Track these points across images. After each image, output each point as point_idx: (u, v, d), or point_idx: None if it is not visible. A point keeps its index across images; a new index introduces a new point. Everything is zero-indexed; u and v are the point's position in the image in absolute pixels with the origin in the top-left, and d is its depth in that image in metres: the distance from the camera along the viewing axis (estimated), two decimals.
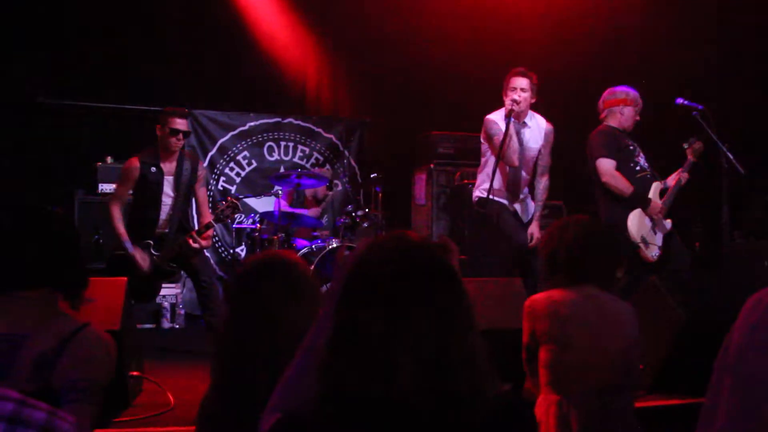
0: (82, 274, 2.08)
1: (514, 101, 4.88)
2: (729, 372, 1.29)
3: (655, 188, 5.06)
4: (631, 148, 5.10)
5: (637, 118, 5.18)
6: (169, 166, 5.16)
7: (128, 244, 5.02)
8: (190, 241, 5.02)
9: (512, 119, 4.93)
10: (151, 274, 5.08)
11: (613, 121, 5.16)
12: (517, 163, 5.02)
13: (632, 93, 5.19)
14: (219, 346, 1.99)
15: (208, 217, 5.20)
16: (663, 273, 4.97)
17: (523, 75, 5.00)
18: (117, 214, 5.08)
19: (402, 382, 1.24)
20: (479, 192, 5.21)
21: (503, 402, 1.39)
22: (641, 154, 5.14)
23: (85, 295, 2.05)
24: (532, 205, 5.26)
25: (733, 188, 5.04)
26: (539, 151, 5.18)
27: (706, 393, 1.38)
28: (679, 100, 5.07)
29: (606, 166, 5.01)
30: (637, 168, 5.07)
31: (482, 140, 5.22)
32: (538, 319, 2.75)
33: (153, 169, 5.11)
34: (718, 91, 6.15)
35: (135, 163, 5.12)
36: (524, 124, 5.11)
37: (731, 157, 4.89)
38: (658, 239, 4.97)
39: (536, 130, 5.17)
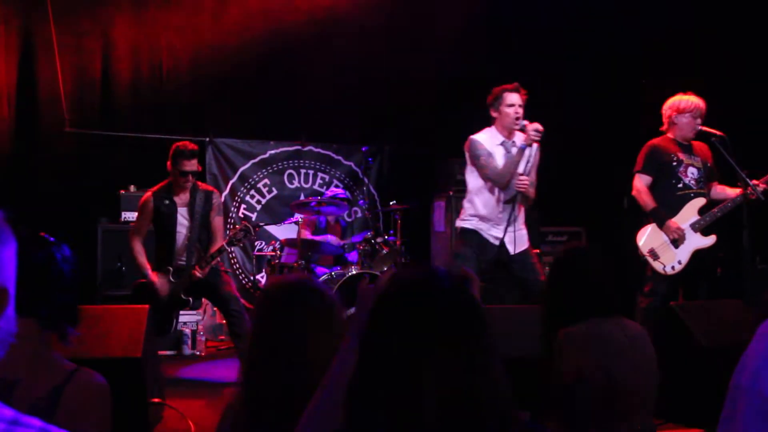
0: (73, 310, 1.96)
1: (538, 131, 4.64)
2: (744, 393, 1.30)
3: (692, 205, 4.99)
4: (675, 163, 5.03)
5: (698, 122, 5.06)
6: (182, 198, 5.30)
7: (149, 272, 5.16)
8: (196, 273, 5.10)
9: (505, 139, 4.84)
10: (169, 301, 5.16)
11: (671, 132, 5.15)
12: (508, 187, 4.76)
13: (688, 100, 5.10)
14: (245, 366, 1.99)
15: (219, 244, 5.27)
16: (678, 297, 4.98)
17: (518, 91, 4.85)
18: (137, 247, 5.25)
19: (428, 418, 1.25)
20: (466, 222, 4.96)
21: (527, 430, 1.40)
22: (690, 169, 5.05)
23: (77, 330, 1.94)
24: (525, 234, 4.97)
25: (755, 213, 5.00)
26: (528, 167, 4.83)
27: (722, 413, 1.38)
28: (699, 128, 5.05)
29: (638, 181, 5.08)
30: (679, 185, 5.02)
31: (468, 164, 4.97)
32: (579, 353, 2.67)
33: (166, 201, 5.26)
34: (736, 116, 6.12)
35: (148, 197, 5.29)
36: (513, 144, 4.87)
37: (750, 182, 4.87)
38: (680, 254, 4.93)
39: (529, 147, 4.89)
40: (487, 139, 4.90)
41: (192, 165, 5.23)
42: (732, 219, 5.00)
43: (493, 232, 4.86)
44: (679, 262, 4.92)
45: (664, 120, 5.20)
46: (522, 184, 4.70)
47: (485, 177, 4.83)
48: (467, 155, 4.97)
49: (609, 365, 2.64)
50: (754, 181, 4.89)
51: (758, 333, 1.35)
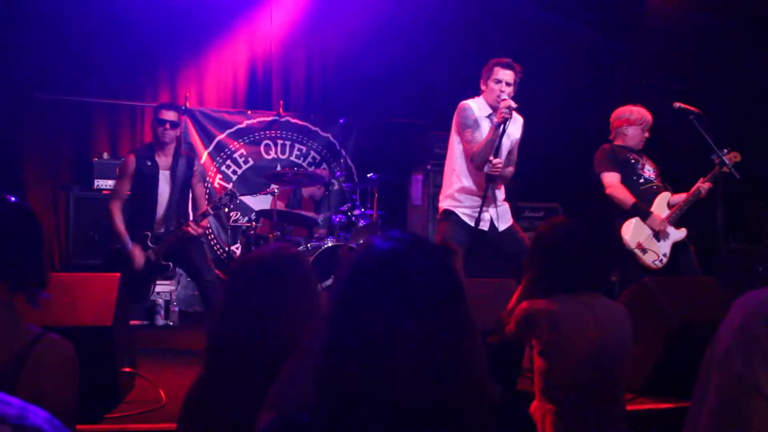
0: (41, 272, 1.92)
1: (510, 109, 4.44)
2: (715, 370, 1.31)
3: (660, 199, 5.10)
4: (633, 161, 5.14)
5: (646, 134, 5.22)
6: (164, 161, 5.22)
7: (127, 241, 5.05)
8: (189, 230, 5.04)
9: (492, 113, 4.62)
10: (145, 269, 5.10)
11: (619, 141, 5.25)
12: (485, 169, 4.53)
13: (636, 111, 5.22)
14: (212, 338, 1.97)
15: (204, 209, 5.22)
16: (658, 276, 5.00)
17: (510, 67, 4.63)
18: (117, 212, 5.10)
19: (399, 390, 1.23)
20: (446, 203, 4.78)
21: (499, 403, 1.39)
22: (646, 167, 5.18)
23: (45, 293, 1.91)
24: (508, 209, 4.83)
25: (729, 193, 5.04)
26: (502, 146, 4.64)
27: (694, 389, 1.39)
28: (676, 105, 5.08)
29: (609, 178, 5.11)
30: (641, 181, 5.12)
31: (454, 132, 4.75)
32: (536, 327, 2.69)
33: (148, 162, 5.17)
34: (714, 95, 6.15)
35: (131, 157, 5.21)
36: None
37: (727, 161, 4.90)
38: (663, 247, 4.99)
39: (514, 124, 4.73)
40: (478, 108, 4.70)
41: (170, 115, 5.18)
42: (706, 198, 5.04)
43: (471, 215, 4.67)
44: (665, 255, 5.00)
45: (612, 129, 5.29)
46: (494, 170, 4.49)
47: (467, 152, 4.64)
48: (455, 121, 4.74)
49: (565, 344, 2.64)
50: (700, 181, 5.00)
51: (732, 310, 1.36)
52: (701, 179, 5.03)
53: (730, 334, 1.31)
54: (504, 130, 4.49)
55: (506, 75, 4.61)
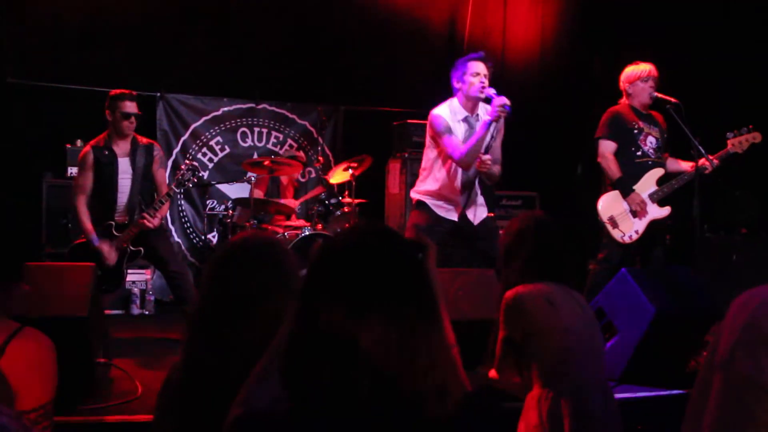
0: (18, 266, 1.94)
1: (505, 107, 4.35)
2: (718, 371, 1.30)
3: (651, 175, 5.10)
4: (636, 131, 5.13)
5: (651, 84, 5.15)
6: (123, 148, 5.11)
7: (94, 239, 4.97)
8: (145, 222, 4.96)
9: (468, 114, 4.64)
10: (116, 262, 5.03)
11: (631, 100, 5.23)
12: (473, 170, 4.58)
13: (641, 67, 5.20)
14: (192, 328, 1.94)
15: (166, 191, 5.14)
16: (635, 265, 5.04)
17: (484, 60, 4.62)
18: (83, 208, 5.02)
19: (360, 384, 1.21)
20: (419, 195, 4.81)
21: (470, 398, 1.38)
22: (649, 137, 5.15)
23: (23, 286, 1.93)
24: (483, 202, 4.85)
25: (704, 182, 5.07)
26: (491, 144, 4.59)
27: (693, 390, 1.38)
28: (654, 94, 5.10)
29: (603, 146, 5.14)
30: (638, 153, 5.12)
31: (428, 140, 4.76)
32: (526, 312, 2.67)
33: (106, 152, 5.07)
34: (691, 85, 6.18)
35: (87, 150, 5.09)
36: (477, 118, 4.68)
37: (703, 151, 4.93)
38: (638, 224, 5.01)
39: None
40: (449, 114, 4.64)
41: (133, 107, 5.07)
42: (682, 187, 5.07)
43: (446, 208, 4.71)
44: (636, 232, 5.01)
45: (623, 89, 5.29)
46: (484, 166, 4.45)
47: (454, 155, 4.56)
48: (429, 132, 4.72)
49: (558, 326, 2.65)
50: (710, 156, 4.96)
51: (732, 308, 1.34)
52: (709, 156, 4.95)
53: (733, 334, 1.29)
54: (496, 128, 4.46)
55: (482, 68, 4.60)
